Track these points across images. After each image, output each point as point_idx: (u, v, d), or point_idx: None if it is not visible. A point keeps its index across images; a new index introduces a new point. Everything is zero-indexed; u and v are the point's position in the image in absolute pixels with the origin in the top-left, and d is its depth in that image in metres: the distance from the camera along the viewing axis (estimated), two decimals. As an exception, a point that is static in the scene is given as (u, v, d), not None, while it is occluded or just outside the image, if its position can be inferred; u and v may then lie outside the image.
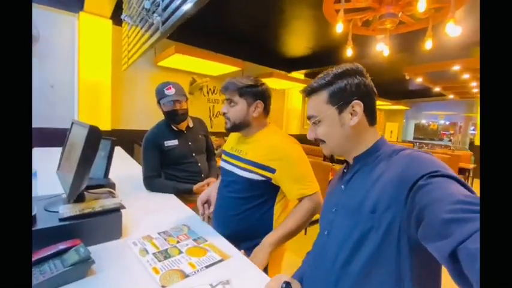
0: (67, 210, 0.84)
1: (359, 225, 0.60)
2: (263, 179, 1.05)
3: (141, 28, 1.90)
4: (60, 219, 0.80)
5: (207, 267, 0.79)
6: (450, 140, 12.81)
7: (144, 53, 1.99)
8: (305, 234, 3.29)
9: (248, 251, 1.02)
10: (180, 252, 0.86)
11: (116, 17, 3.22)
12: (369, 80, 0.69)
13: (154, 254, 0.84)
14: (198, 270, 0.76)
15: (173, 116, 1.54)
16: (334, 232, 0.68)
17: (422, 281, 0.56)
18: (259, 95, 1.10)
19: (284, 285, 0.68)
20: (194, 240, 0.96)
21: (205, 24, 4.00)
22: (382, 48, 3.06)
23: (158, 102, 1.56)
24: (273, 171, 1.04)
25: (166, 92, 1.51)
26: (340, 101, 0.66)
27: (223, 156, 1.24)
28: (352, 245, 0.61)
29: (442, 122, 13.66)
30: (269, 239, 1.00)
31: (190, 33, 4.18)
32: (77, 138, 0.94)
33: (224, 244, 0.95)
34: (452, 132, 12.99)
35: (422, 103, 11.04)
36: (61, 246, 0.71)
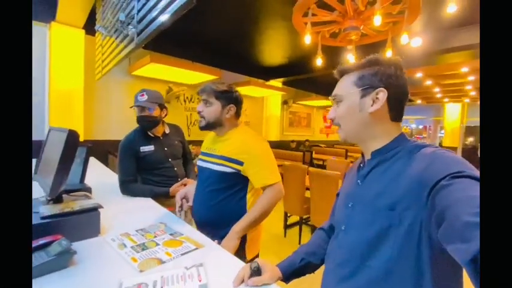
0: (47, 209, 0.89)
1: (377, 221, 0.60)
2: (234, 171, 1.19)
3: (116, 39, 1.95)
4: (41, 218, 0.85)
5: (182, 254, 0.86)
6: (421, 143, 13.59)
7: (120, 62, 2.04)
8: (284, 236, 3.40)
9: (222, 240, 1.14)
10: (157, 244, 0.93)
11: (89, 27, 3.23)
12: (404, 76, 0.66)
13: (132, 247, 0.90)
14: (174, 258, 0.84)
15: (140, 122, 1.60)
16: (351, 227, 0.67)
17: (443, 283, 0.55)
18: (232, 99, 1.24)
19: (253, 266, 0.73)
20: (171, 234, 1.02)
21: (181, 33, 4.08)
22: (350, 58, 3.30)
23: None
24: (241, 163, 1.18)
25: (139, 97, 1.57)
26: (367, 84, 0.65)
27: (200, 156, 1.36)
28: (371, 240, 0.60)
29: (413, 126, 14.51)
30: (236, 228, 1.13)
31: (166, 42, 4.24)
32: (55, 143, 0.99)
33: (198, 235, 1.03)
34: (425, 135, 13.76)
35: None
36: (42, 240, 0.76)
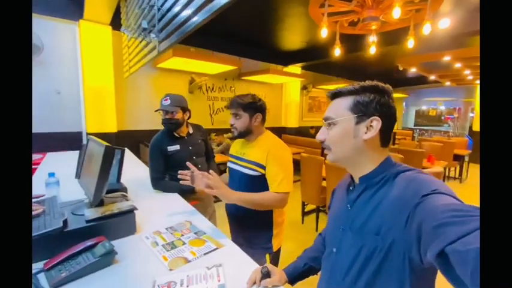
0: (91, 213, 1.05)
1: (365, 246, 0.64)
2: (259, 174, 1.33)
3: (139, 43, 2.06)
4: (87, 221, 1.01)
5: (205, 254, 1.00)
6: (449, 126, 12.89)
7: (143, 65, 2.15)
8: (302, 223, 3.52)
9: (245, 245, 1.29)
10: (184, 243, 1.07)
11: (115, 23, 3.36)
12: (393, 104, 0.70)
13: (163, 245, 1.05)
14: (198, 257, 0.98)
15: (165, 124, 1.76)
16: (342, 250, 0.72)
17: None
18: (258, 108, 1.37)
19: (263, 270, 0.83)
20: (195, 233, 1.17)
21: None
22: (372, 40, 3.17)
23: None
24: (264, 167, 1.31)
25: (163, 102, 1.72)
26: (361, 111, 0.67)
27: (230, 159, 1.52)
28: (360, 265, 0.65)
29: (442, 107, 13.76)
30: (233, 196, 1.22)
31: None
32: (95, 154, 1.14)
33: (219, 235, 1.16)
34: (456, 115, 13.00)
35: (421, 90, 11.10)
36: (89, 242, 0.91)
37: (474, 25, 3.57)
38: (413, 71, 6.24)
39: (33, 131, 3.32)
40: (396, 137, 7.29)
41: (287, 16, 3.91)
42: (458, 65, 5.38)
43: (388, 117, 0.68)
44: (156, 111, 1.75)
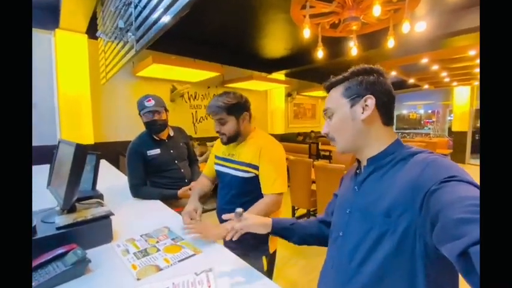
0: (62, 220, 0.94)
1: (374, 228, 0.61)
2: (252, 175, 1.24)
3: (117, 45, 1.99)
4: (57, 228, 0.90)
5: (179, 261, 0.90)
6: (430, 129, 13.39)
7: (121, 69, 2.07)
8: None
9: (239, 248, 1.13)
10: (158, 250, 0.97)
11: (91, 32, 3.27)
12: (387, 80, 0.70)
13: (134, 253, 0.95)
14: (172, 264, 0.88)
15: (152, 126, 1.65)
16: (349, 234, 0.69)
17: None
18: (243, 107, 1.26)
19: (237, 210, 0.87)
20: (172, 239, 1.07)
21: (181, 31, 4.07)
22: (352, 46, 3.24)
23: (139, 113, 1.66)
24: (257, 168, 1.23)
25: (146, 103, 1.62)
26: (353, 94, 0.68)
27: (216, 161, 1.41)
28: (368, 247, 0.62)
29: (421, 111, 14.29)
30: (227, 225, 1.09)
31: (167, 41, 4.19)
32: (65, 156, 1.04)
33: (198, 241, 1.05)
34: (434, 119, 13.51)
35: (401, 94, 11.45)
36: (60, 250, 0.81)
37: (449, 27, 3.71)
38: (393, 74, 6.42)
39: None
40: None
41: (268, 23, 3.94)
42: (435, 66, 5.58)
43: (383, 93, 0.68)
44: (142, 113, 1.64)
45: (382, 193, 0.62)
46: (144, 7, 1.43)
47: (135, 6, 1.53)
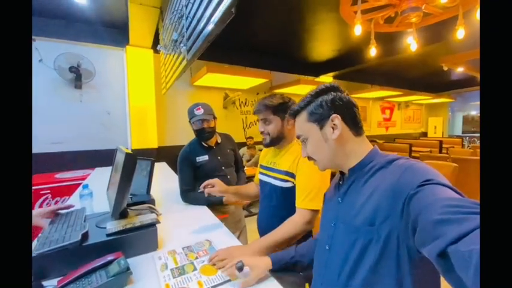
0: (113, 226, 0.98)
1: (359, 239, 0.61)
2: (291, 185, 1.14)
3: (173, 56, 2.10)
4: (107, 235, 0.94)
5: (213, 287, 0.82)
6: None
7: (177, 78, 2.18)
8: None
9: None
10: (195, 269, 0.92)
11: (155, 46, 3.58)
12: (345, 94, 0.73)
13: (172, 269, 0.92)
14: None
15: (201, 134, 1.69)
16: (335, 247, 0.69)
17: None
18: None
19: (238, 265, 0.80)
20: (211, 257, 1.01)
21: (232, 41, 4.23)
22: (410, 42, 2.87)
23: (189, 121, 1.71)
24: (294, 176, 1.13)
25: (196, 112, 1.65)
26: (318, 117, 0.71)
27: (260, 170, 1.35)
28: (355, 258, 0.62)
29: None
30: (253, 247, 1.00)
31: (219, 51, 4.45)
32: (119, 164, 1.10)
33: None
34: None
35: (469, 93, 9.83)
36: (106, 258, 0.84)
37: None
38: (460, 70, 5.55)
39: (84, 148, 3.65)
40: (443, 145, 6.45)
41: (316, 24, 3.74)
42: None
43: (344, 107, 0.70)
44: (192, 121, 1.69)
45: (364, 202, 0.62)
46: (193, 18, 1.47)
47: (186, 18, 1.58)
